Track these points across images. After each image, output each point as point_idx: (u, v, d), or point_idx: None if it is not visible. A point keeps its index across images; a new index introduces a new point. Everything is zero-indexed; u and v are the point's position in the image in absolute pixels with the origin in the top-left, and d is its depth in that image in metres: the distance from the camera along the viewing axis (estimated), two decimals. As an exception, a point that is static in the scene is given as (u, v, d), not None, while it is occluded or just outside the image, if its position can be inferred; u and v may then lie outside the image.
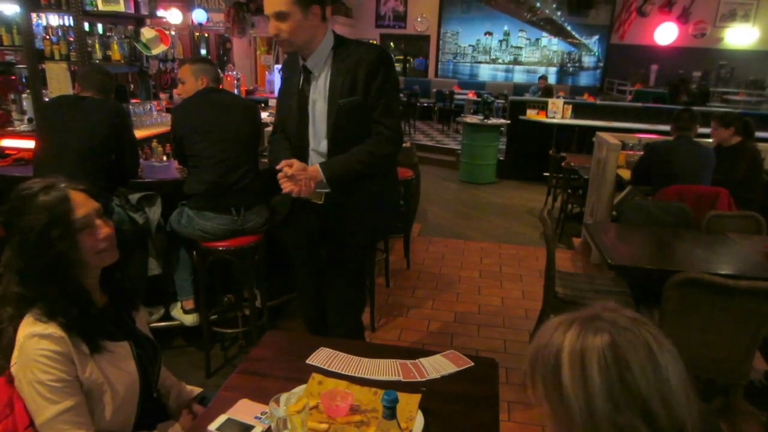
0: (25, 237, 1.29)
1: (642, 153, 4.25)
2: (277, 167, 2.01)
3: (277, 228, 2.39)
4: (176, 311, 3.10)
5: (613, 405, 0.81)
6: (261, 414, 1.36)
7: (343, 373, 1.58)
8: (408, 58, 14.09)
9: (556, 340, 0.86)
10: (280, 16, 1.94)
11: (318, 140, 2.14)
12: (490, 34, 13.61)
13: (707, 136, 4.30)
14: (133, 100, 4.95)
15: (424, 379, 1.57)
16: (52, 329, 1.27)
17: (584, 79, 13.26)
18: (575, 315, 0.89)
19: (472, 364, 1.65)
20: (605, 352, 0.82)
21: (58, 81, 4.38)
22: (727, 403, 2.53)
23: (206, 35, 14.03)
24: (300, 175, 2.00)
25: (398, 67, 14.11)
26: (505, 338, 3.43)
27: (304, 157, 2.14)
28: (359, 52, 2.06)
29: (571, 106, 7.67)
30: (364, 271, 2.40)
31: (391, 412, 1.15)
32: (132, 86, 5.46)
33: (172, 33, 6.40)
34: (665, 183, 3.66)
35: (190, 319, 3.04)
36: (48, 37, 4.40)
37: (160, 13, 9.36)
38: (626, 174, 4.43)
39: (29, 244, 1.28)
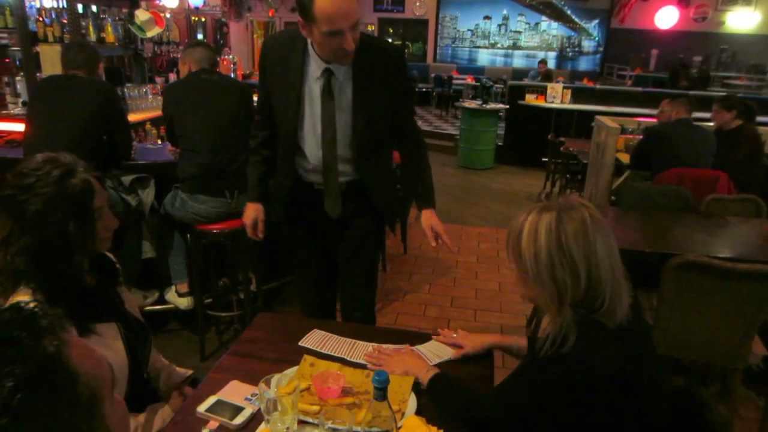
0: (42, 219, 1.24)
1: (641, 137, 4.21)
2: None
3: (276, 226, 2.20)
4: (171, 295, 3.08)
5: (551, 260, 1.13)
6: (251, 395, 1.34)
7: (335, 355, 1.55)
8: (407, 43, 13.98)
9: (521, 218, 1.19)
10: (356, 25, 1.66)
11: (340, 146, 1.91)
12: (489, 18, 13.50)
13: (706, 120, 4.26)
14: (129, 84, 4.89)
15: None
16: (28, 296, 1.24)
17: (584, 64, 13.18)
18: (537, 204, 1.21)
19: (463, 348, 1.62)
20: (551, 222, 1.14)
21: (52, 63, 4.30)
22: (725, 387, 2.52)
23: (203, 19, 13.88)
24: None
25: (396, 51, 14.01)
26: (502, 323, 3.42)
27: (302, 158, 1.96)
28: (378, 50, 1.85)
29: (570, 91, 7.61)
30: (377, 254, 2.28)
31: (382, 393, 1.13)
32: (127, 70, 5.39)
33: (167, 16, 6.30)
34: (664, 167, 3.62)
35: (184, 303, 3.02)
36: (41, 19, 4.32)
37: (156, -4, 9.23)
38: (625, 158, 4.39)
39: (46, 226, 1.25)
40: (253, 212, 2.11)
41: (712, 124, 4.12)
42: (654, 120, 5.44)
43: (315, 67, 1.80)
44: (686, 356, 2.42)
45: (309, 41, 1.77)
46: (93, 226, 1.33)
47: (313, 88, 1.82)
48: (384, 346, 1.59)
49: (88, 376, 0.66)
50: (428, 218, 2.05)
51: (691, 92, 7.26)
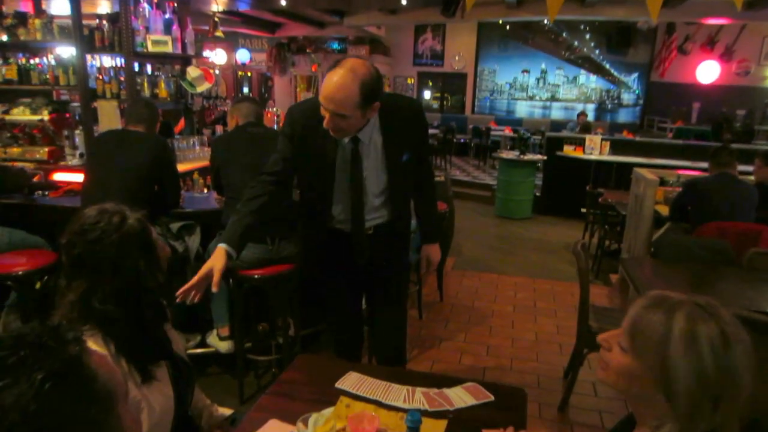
0: (119, 264, 1.34)
1: (680, 189, 4.18)
2: None
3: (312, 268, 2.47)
4: (212, 338, 3.16)
5: (710, 382, 0.96)
6: (289, 434, 1.38)
7: (371, 397, 1.59)
8: (445, 95, 14.28)
9: (663, 315, 1.01)
10: (340, 116, 1.85)
11: (371, 198, 2.13)
12: (527, 71, 13.69)
13: (747, 173, 4.21)
14: (177, 135, 5.15)
15: (452, 408, 1.56)
16: (100, 347, 1.31)
17: (623, 116, 13.14)
18: (677, 298, 1.03)
19: (492, 398, 1.63)
20: (713, 337, 0.97)
21: (108, 118, 4.58)
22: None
23: (249, 74, 14.56)
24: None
25: (435, 104, 14.33)
26: (539, 373, 3.37)
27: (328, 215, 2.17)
28: (400, 108, 2.10)
29: (609, 143, 7.60)
30: (406, 292, 2.51)
31: (415, 433, 1.16)
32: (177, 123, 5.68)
33: (216, 72, 6.67)
34: (705, 220, 3.58)
35: (225, 346, 3.10)
36: (101, 77, 4.63)
37: (206, 53, 9.78)
38: (665, 210, 4.35)
39: (123, 269, 1.34)
40: (220, 260, 1.88)
41: (752, 177, 4.07)
42: (695, 172, 5.40)
43: None
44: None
45: None
46: (157, 257, 1.44)
47: (345, 153, 2.05)
48: (423, 389, 1.63)
49: (105, 378, 0.80)
50: (428, 250, 2.41)
51: (735, 145, 7.16)
